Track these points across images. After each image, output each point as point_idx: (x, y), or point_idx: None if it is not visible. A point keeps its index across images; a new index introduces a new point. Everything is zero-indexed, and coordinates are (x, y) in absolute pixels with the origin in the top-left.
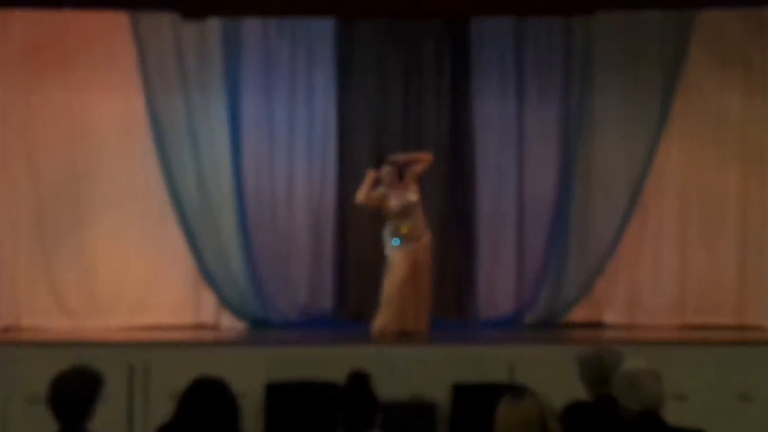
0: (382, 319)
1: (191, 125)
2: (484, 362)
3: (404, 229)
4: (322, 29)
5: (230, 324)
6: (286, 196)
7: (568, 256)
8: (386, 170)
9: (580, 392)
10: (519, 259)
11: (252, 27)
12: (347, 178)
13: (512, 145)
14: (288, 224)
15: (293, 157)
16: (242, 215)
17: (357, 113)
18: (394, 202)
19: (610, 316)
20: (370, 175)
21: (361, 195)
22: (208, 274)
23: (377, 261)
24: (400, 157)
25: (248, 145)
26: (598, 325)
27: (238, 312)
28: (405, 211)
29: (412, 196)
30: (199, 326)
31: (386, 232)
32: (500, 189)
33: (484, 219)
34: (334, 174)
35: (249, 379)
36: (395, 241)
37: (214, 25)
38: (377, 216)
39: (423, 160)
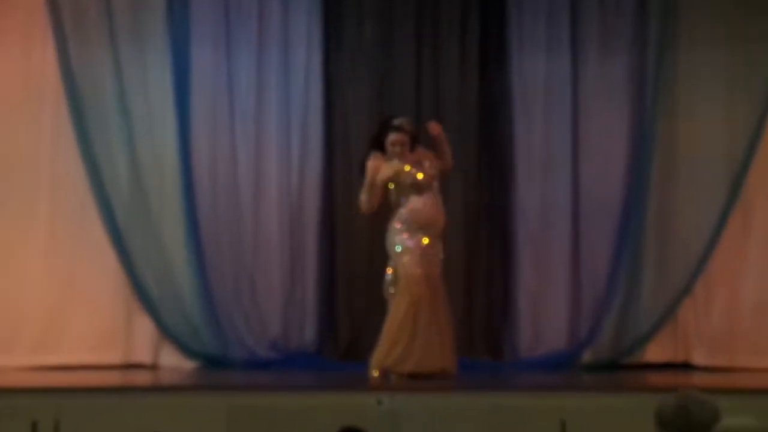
0: (382, 356)
1: (121, 90)
2: (526, 417)
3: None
4: None
5: (174, 363)
6: (253, 189)
7: (642, 272)
8: (393, 138)
9: None
10: (573, 278)
11: None
12: (337, 164)
13: (563, 119)
14: (255, 227)
15: (263, 135)
16: (192, 215)
17: (350, 74)
18: (402, 178)
19: (699, 355)
20: (374, 164)
21: (366, 200)
22: (143, 296)
23: (377, 277)
24: (409, 126)
25: (200, 118)
26: (683, 366)
27: (185, 347)
28: (419, 179)
29: (428, 171)
30: (130, 366)
31: (390, 230)
32: (547, 181)
33: (526, 223)
34: (319, 158)
35: None
36: (399, 241)
37: None
38: (382, 215)
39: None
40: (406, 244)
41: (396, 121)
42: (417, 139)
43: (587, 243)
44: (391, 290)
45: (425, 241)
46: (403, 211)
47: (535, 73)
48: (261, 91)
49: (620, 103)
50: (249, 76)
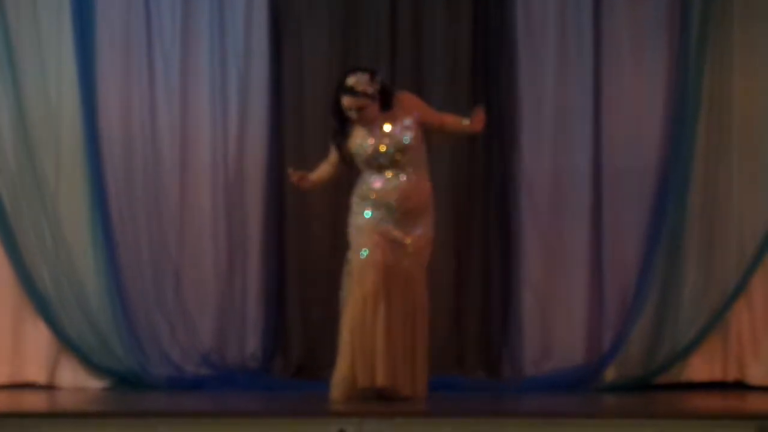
0: (344, 373)
1: (3, 27)
2: None
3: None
4: None
5: (76, 383)
6: (178, 159)
7: (682, 267)
8: (346, 102)
9: None
10: (594, 273)
11: None
12: (287, 127)
13: (582, 67)
14: (181, 209)
15: (191, 88)
16: (98, 192)
17: (305, 7)
18: (363, 143)
19: (756, 373)
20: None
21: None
22: (36, 298)
23: (338, 274)
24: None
25: (108, 65)
26: (734, 386)
27: (90, 362)
28: (385, 159)
29: (404, 134)
30: (19, 386)
31: (352, 205)
32: (560, 147)
33: (532, 201)
34: (265, 119)
35: None
36: (365, 215)
37: None
38: (345, 192)
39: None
40: (362, 222)
41: (350, 80)
42: (389, 94)
43: (611, 228)
44: (343, 290)
45: (388, 227)
46: (363, 187)
47: (545, 7)
48: (188, 29)
49: (656, 48)
50: (173, 10)
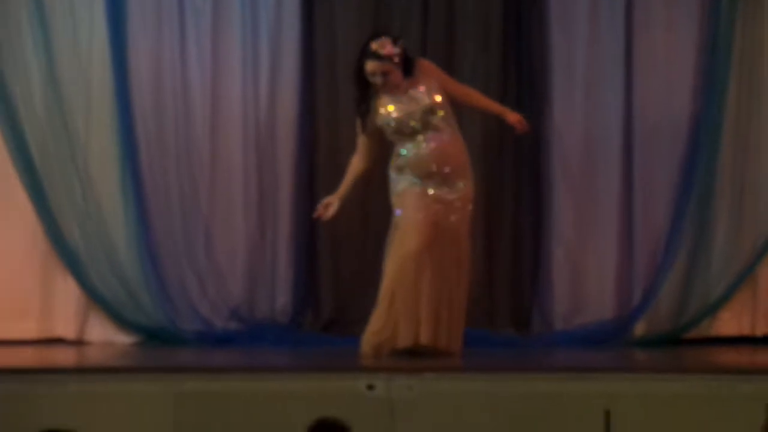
0: (376, 328)
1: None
2: (562, 406)
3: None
4: None
5: (105, 338)
6: (209, 112)
7: (712, 222)
8: (370, 67)
9: None
10: (624, 228)
11: None
12: (319, 86)
13: (613, 24)
14: (212, 162)
15: (222, 44)
16: (128, 145)
17: None
18: (390, 111)
19: None
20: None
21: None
22: (64, 251)
23: (371, 229)
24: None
25: (138, 18)
26: (764, 341)
27: (119, 317)
28: (417, 122)
29: (431, 94)
30: (48, 341)
31: (390, 178)
32: (591, 104)
33: (563, 157)
34: (296, 78)
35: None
36: (405, 181)
37: None
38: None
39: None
40: (402, 188)
41: (373, 45)
42: (410, 60)
43: (642, 184)
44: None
45: (431, 191)
46: (397, 158)
47: None
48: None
49: (687, 3)
50: None
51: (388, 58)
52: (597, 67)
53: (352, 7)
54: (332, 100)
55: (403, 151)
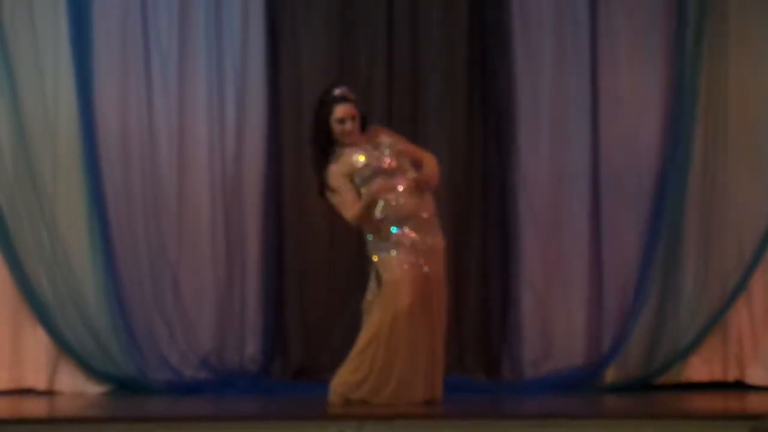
0: (353, 380)
1: (1, 42)
2: None
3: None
4: None
5: (75, 388)
6: (176, 159)
7: (682, 266)
8: (341, 111)
9: None
10: (593, 272)
11: None
12: (285, 126)
13: (579, 63)
14: (180, 209)
15: (188, 88)
16: (96, 193)
17: (302, 7)
18: (361, 160)
19: (756, 373)
20: (337, 178)
21: (358, 216)
22: (34, 302)
23: (338, 273)
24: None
25: (105, 65)
26: (735, 386)
27: (89, 367)
28: (390, 167)
29: (395, 143)
30: (19, 392)
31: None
32: (558, 145)
33: (530, 200)
34: (263, 118)
35: None
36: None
37: None
38: None
39: (426, 175)
40: (392, 239)
41: (338, 91)
42: (365, 118)
43: (610, 227)
44: (369, 298)
45: (413, 234)
46: (376, 207)
47: (541, 3)
48: (185, 28)
49: (653, 43)
50: (170, 10)
51: (353, 101)
52: (563, 110)
53: (318, 46)
54: (298, 146)
55: (381, 202)
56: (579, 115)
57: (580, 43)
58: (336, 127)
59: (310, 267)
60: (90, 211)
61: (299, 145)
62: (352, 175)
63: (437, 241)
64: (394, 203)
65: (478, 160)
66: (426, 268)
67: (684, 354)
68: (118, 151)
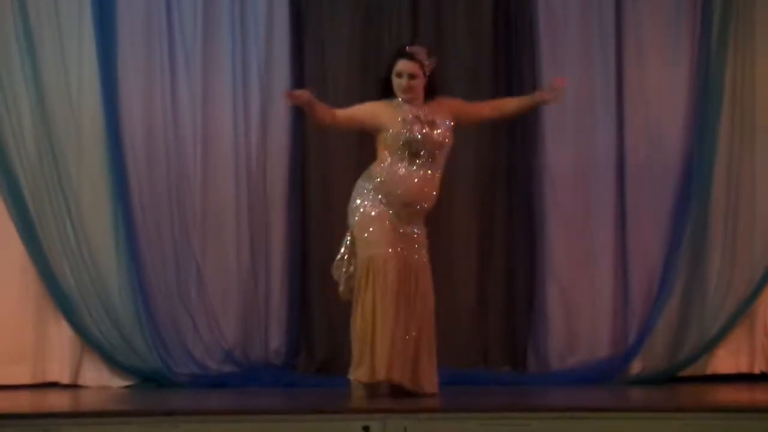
0: (364, 367)
1: (24, 23)
2: None
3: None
4: None
5: (99, 382)
6: (201, 150)
7: (708, 257)
8: (401, 66)
9: None
10: (618, 264)
11: None
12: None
13: (604, 56)
14: (204, 202)
15: (212, 79)
16: (120, 185)
17: (323, 5)
18: (405, 121)
19: None
20: (369, 106)
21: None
22: (58, 295)
23: None
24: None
25: (129, 57)
26: (762, 378)
27: (113, 361)
28: (424, 149)
29: (446, 133)
30: (42, 386)
31: (357, 187)
32: (583, 137)
33: (555, 192)
34: (287, 111)
35: None
36: (377, 207)
37: None
38: None
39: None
40: (375, 215)
41: (409, 48)
42: (435, 86)
43: (636, 218)
44: (343, 271)
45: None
46: (379, 171)
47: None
48: (209, 21)
49: (678, 35)
50: (194, 1)
51: (419, 63)
52: (588, 103)
53: (343, 44)
54: (322, 136)
55: (393, 170)
56: (604, 109)
57: (606, 35)
58: (394, 80)
59: (334, 260)
60: (114, 205)
61: (324, 136)
62: (380, 124)
63: (421, 231)
64: (399, 191)
65: (503, 153)
66: (404, 253)
67: (710, 346)
68: (143, 143)
